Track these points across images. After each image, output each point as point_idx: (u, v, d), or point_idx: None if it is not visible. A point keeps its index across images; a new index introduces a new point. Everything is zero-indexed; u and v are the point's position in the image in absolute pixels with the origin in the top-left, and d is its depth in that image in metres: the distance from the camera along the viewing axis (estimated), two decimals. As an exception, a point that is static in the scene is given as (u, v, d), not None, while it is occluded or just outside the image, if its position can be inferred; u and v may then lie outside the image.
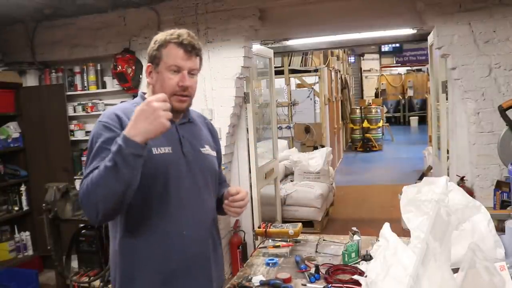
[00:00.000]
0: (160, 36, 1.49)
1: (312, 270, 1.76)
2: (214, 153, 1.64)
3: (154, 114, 1.24)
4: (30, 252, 4.39)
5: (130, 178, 1.27)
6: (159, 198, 1.44)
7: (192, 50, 1.47)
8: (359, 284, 1.56)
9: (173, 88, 1.45)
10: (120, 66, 3.96)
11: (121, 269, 1.47)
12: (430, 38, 3.87)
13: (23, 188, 4.39)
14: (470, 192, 3.32)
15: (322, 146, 7.10)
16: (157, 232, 1.44)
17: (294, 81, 8.06)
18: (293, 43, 4.87)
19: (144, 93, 1.59)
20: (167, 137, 1.47)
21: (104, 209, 1.29)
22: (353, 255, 1.87)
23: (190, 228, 1.48)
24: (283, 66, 7.60)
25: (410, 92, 16.22)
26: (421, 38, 4.60)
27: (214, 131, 1.75)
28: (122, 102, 1.63)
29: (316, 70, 7.77)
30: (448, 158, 3.77)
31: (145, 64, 3.91)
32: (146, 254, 1.44)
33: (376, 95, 16.13)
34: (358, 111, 11.58)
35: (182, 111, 1.55)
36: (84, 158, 3.45)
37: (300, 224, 2.20)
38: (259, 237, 2.40)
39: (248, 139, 4.14)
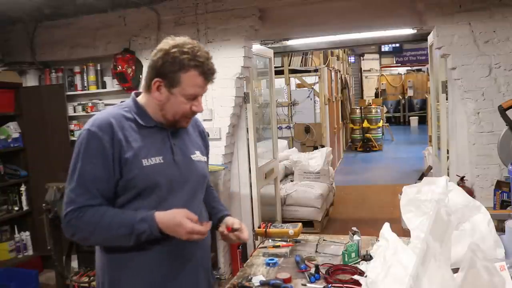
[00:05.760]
0: (178, 54, 1.37)
1: (312, 270, 1.76)
2: (204, 159, 1.61)
3: (183, 236, 1.35)
4: (30, 252, 4.38)
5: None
6: (151, 209, 1.40)
7: (211, 78, 1.45)
8: (359, 284, 1.56)
9: (186, 112, 1.45)
10: (120, 66, 3.96)
11: (110, 275, 1.47)
12: (430, 38, 3.87)
13: (23, 188, 4.38)
14: (470, 192, 3.32)
15: (322, 146, 7.10)
16: (148, 241, 1.41)
17: (294, 81, 8.05)
18: (293, 43, 4.88)
19: (138, 94, 1.54)
20: (159, 145, 1.46)
21: (90, 244, 1.48)
22: (353, 255, 1.87)
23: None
24: (283, 66, 7.60)
25: (410, 92, 16.23)
26: (421, 38, 4.61)
27: (204, 134, 1.71)
28: (122, 102, 1.59)
29: (316, 70, 7.76)
30: (448, 158, 3.77)
31: (145, 64, 3.95)
32: (135, 264, 1.44)
33: (376, 95, 16.13)
34: (358, 111, 11.58)
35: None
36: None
37: (300, 224, 2.20)
38: (259, 237, 2.40)
39: (248, 139, 4.14)
